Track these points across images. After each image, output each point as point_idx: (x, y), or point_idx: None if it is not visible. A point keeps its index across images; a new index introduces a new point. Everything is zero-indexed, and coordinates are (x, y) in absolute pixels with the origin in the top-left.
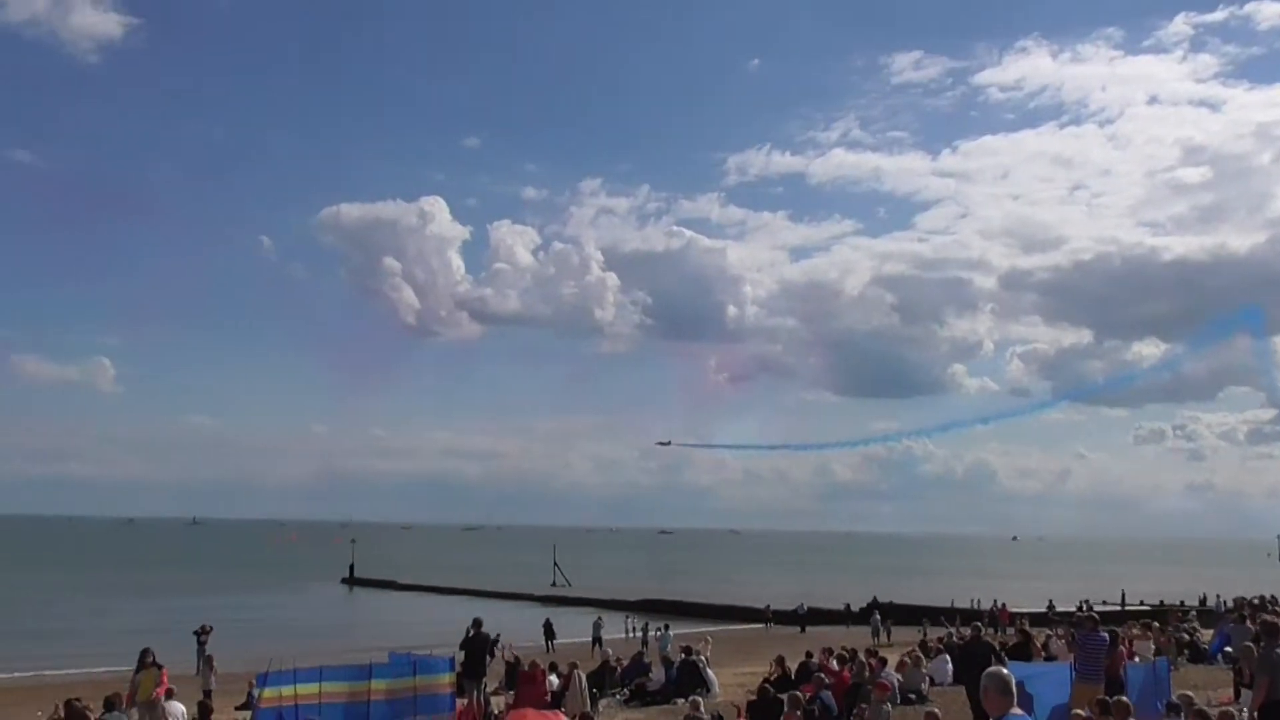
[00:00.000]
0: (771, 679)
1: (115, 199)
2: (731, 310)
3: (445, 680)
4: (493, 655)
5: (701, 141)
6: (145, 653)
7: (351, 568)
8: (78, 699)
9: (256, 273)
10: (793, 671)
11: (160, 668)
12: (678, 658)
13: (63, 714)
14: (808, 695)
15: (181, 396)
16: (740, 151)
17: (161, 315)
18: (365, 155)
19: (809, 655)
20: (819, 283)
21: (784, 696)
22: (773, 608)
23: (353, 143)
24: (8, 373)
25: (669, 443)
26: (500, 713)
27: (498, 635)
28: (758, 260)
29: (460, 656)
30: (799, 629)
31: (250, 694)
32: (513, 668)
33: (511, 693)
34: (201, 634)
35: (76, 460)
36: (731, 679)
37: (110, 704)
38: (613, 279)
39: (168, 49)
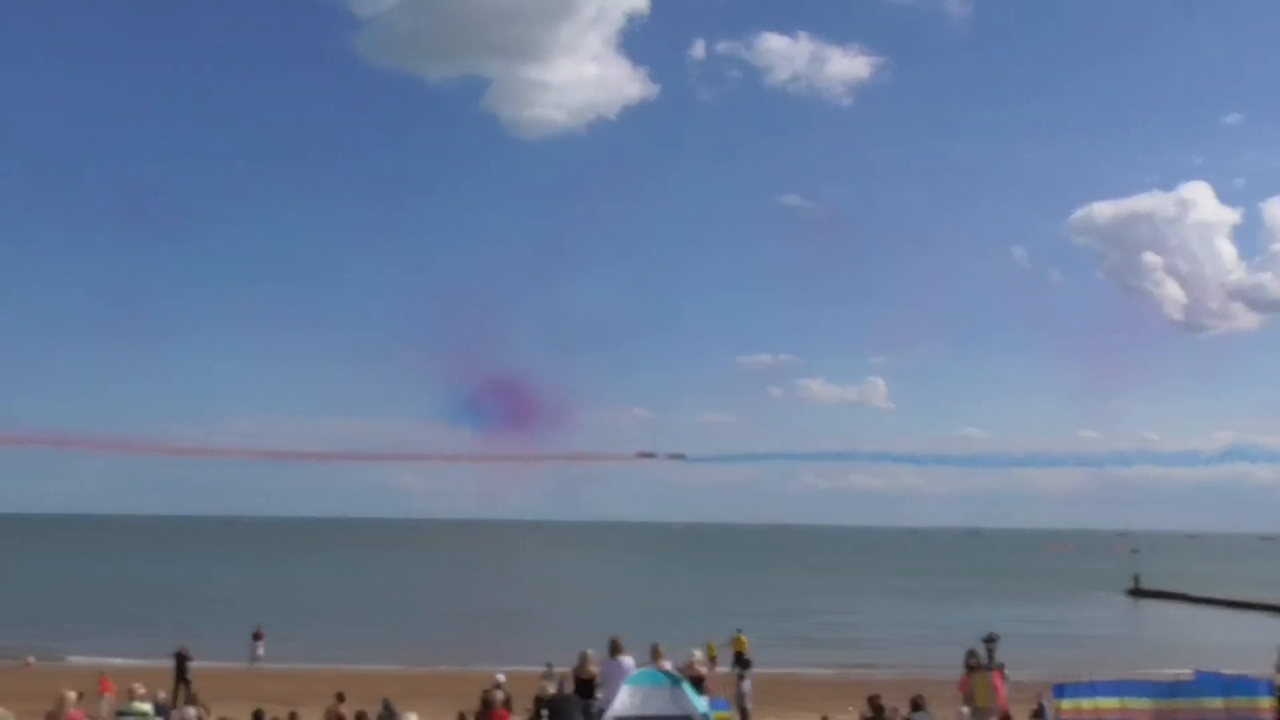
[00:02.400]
0: None
1: (874, 228)
2: None
3: (1264, 704)
4: None
5: None
6: (970, 654)
7: (1137, 578)
8: (877, 695)
9: (1010, 283)
10: None
11: (990, 671)
12: None
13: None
14: None
15: (951, 410)
16: None
17: (924, 334)
18: (1113, 150)
19: None
20: None
21: None
22: None
23: (1100, 140)
24: (797, 395)
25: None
26: None
27: None
28: None
29: None
30: None
31: (1041, 705)
32: None
33: None
34: (989, 643)
35: (858, 474)
36: None
37: (916, 704)
38: None
39: (911, 81)
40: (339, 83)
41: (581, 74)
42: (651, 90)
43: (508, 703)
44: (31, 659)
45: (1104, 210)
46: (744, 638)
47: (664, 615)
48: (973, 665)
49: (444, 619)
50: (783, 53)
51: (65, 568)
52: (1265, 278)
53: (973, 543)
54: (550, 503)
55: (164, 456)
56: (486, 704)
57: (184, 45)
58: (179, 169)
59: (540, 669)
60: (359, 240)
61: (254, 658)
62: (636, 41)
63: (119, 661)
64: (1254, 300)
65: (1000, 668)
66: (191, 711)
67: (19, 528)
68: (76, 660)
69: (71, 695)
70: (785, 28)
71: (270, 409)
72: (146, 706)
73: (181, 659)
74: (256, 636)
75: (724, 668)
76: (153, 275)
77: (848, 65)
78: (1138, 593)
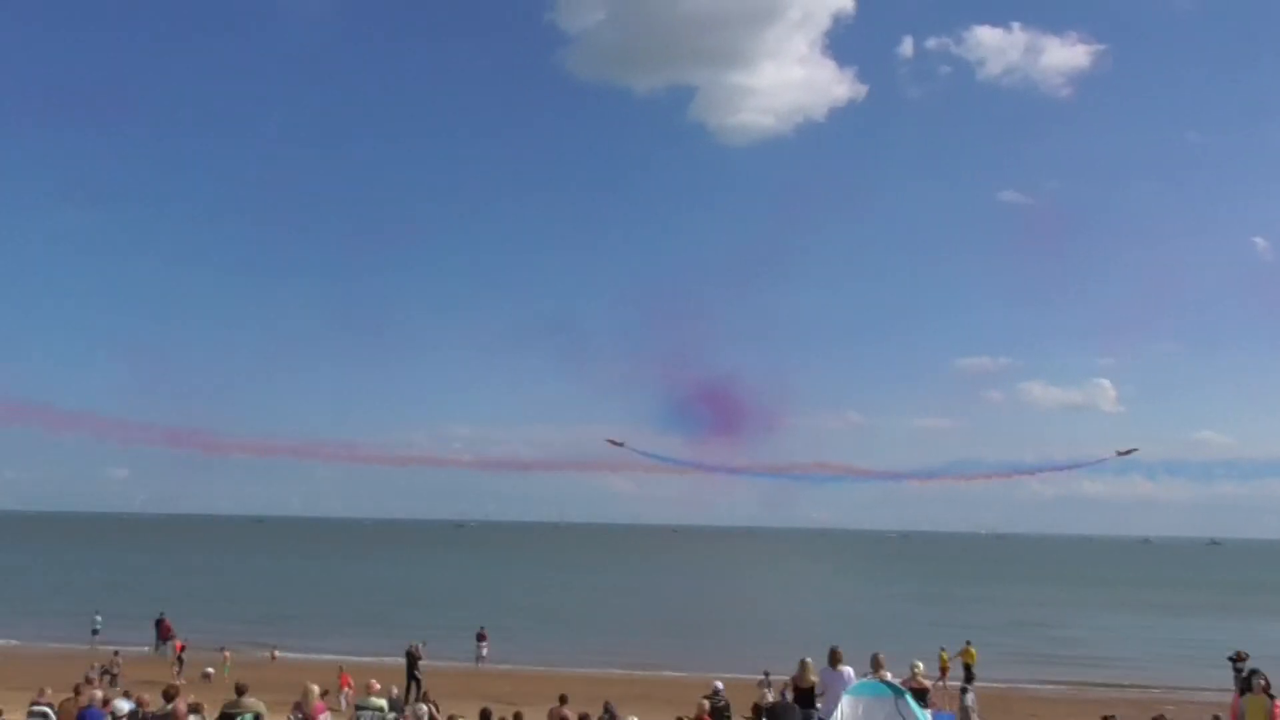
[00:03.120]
0: None
1: (1099, 223)
2: None
3: None
4: None
5: None
6: (1253, 673)
7: None
8: (1112, 716)
9: (1253, 276)
10: None
11: (1273, 698)
12: None
13: None
14: None
15: (1187, 413)
16: None
17: (1156, 332)
18: None
19: None
20: None
21: None
22: None
23: None
24: (1018, 398)
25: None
26: None
27: None
28: None
29: None
30: None
31: None
32: None
33: None
34: (1236, 663)
35: (1087, 479)
36: None
37: None
38: None
39: (1134, 67)
40: (550, 99)
41: (788, 77)
42: (859, 90)
43: (726, 709)
44: (276, 652)
45: None
46: (973, 650)
47: (882, 626)
48: (1252, 687)
49: (661, 624)
50: (995, 45)
51: (307, 567)
52: None
53: (1213, 554)
54: (762, 509)
55: (393, 466)
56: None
57: (399, 74)
58: (405, 196)
59: (758, 677)
60: (569, 250)
61: (479, 658)
62: (843, 42)
63: (355, 659)
64: None
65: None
66: (423, 708)
67: (265, 529)
68: (317, 656)
69: (315, 689)
70: (997, 20)
71: (487, 417)
72: (382, 702)
73: (412, 658)
74: (480, 637)
75: (953, 681)
76: (384, 297)
77: (1065, 54)
78: None
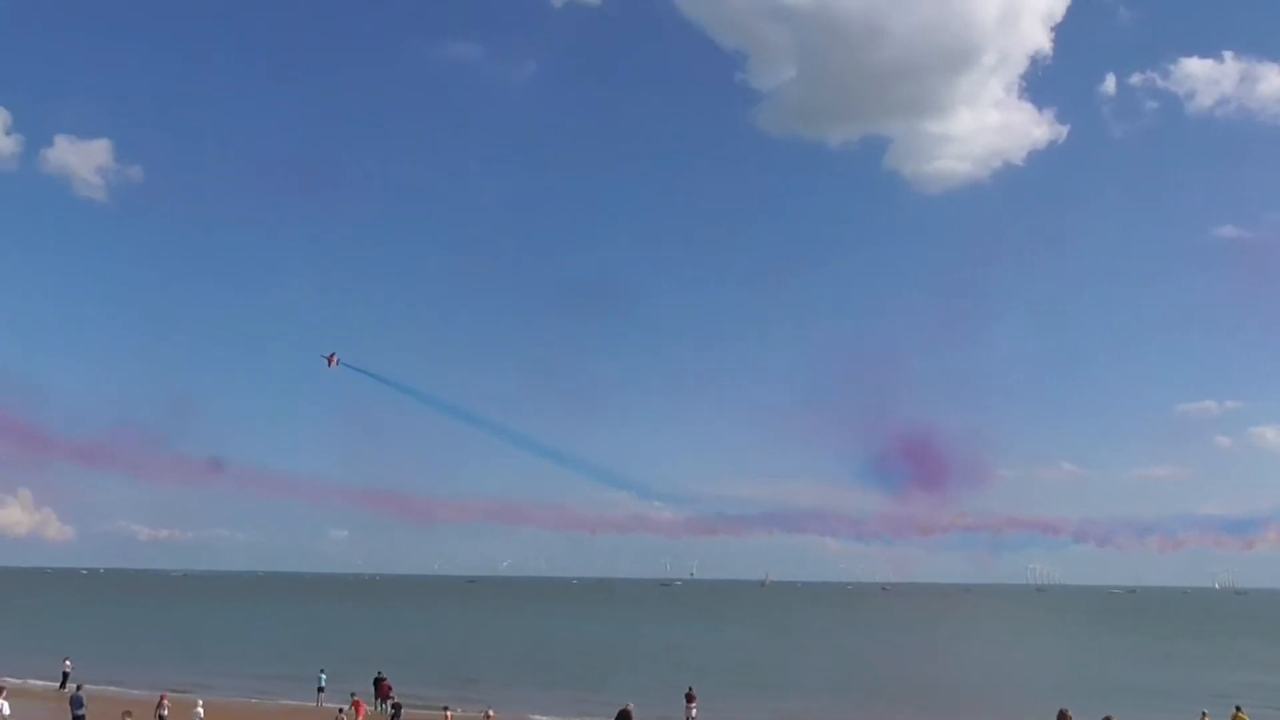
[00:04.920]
0: None
1: None
2: None
3: None
4: None
5: None
6: None
7: None
8: None
9: None
10: None
11: None
12: None
13: None
14: None
15: None
16: None
17: None
18: None
19: None
20: None
21: None
22: None
23: None
24: (1249, 444)
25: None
26: None
27: None
28: None
29: None
30: None
31: None
32: None
33: None
34: None
35: None
36: None
37: None
38: None
39: None
40: (743, 156)
41: (984, 122)
42: (1059, 132)
43: None
44: (491, 711)
45: None
46: (1245, 715)
47: (1112, 687)
48: None
49: (873, 687)
50: (1206, 77)
51: (514, 626)
52: None
53: None
54: (974, 565)
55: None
56: None
57: (593, 141)
58: (606, 250)
59: None
60: (765, 305)
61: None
62: (1041, 83)
63: None
64: None
65: None
66: None
67: (476, 589)
68: (530, 716)
69: None
70: (1206, 51)
71: (690, 474)
72: None
73: (626, 717)
74: (689, 698)
75: None
76: (584, 349)
77: None
78: None
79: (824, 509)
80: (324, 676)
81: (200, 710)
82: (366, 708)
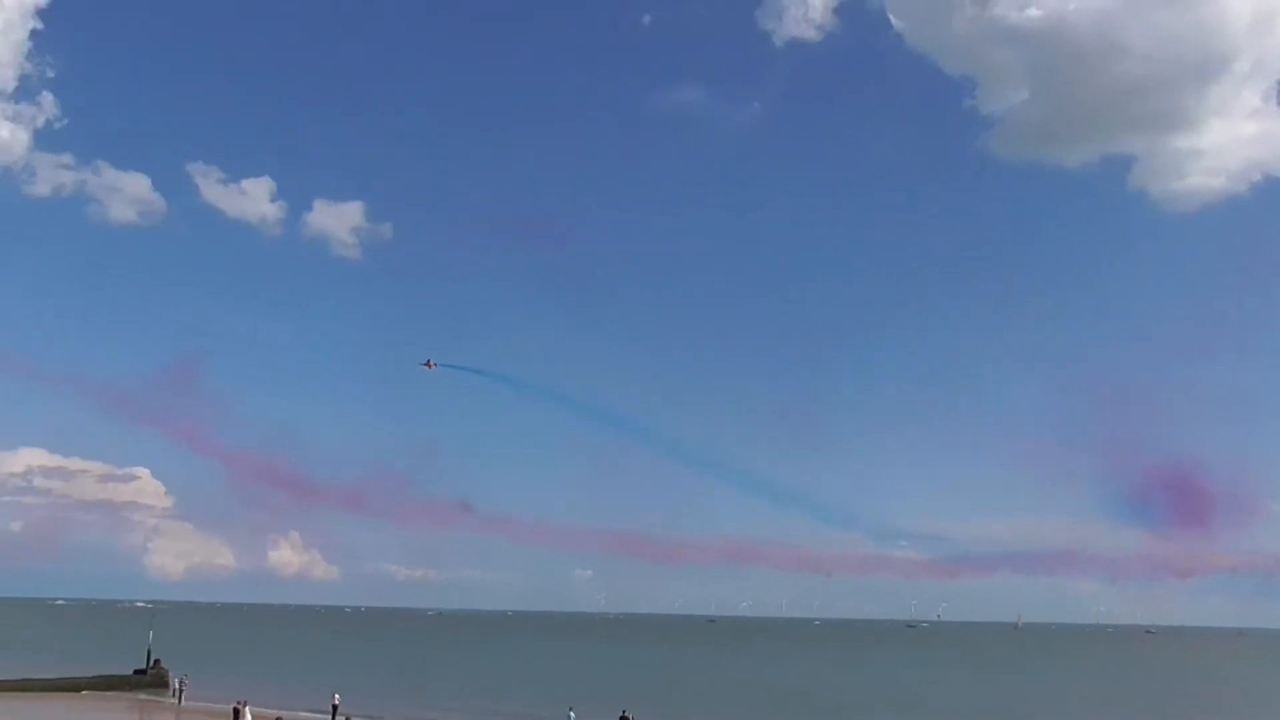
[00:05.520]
0: None
1: None
2: None
3: None
4: None
5: None
6: None
7: None
8: None
9: None
10: None
11: None
12: None
13: None
14: None
15: None
16: None
17: None
18: None
19: None
20: None
21: None
22: None
23: None
24: None
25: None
26: None
27: None
28: None
29: None
30: None
31: None
32: None
33: None
34: None
35: None
36: None
37: None
38: None
39: None
40: (975, 183)
41: (1238, 133)
42: None
43: None
44: None
45: None
46: None
47: None
48: None
49: None
50: None
51: (755, 667)
52: None
53: None
54: (1235, 607)
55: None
56: None
57: (822, 170)
58: (832, 286)
59: None
60: (1004, 335)
61: None
62: None
63: None
64: None
65: None
66: None
67: (716, 629)
68: None
69: None
70: None
71: (930, 512)
72: None
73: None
74: None
75: None
76: (812, 386)
77: None
78: None
79: (1075, 548)
80: (573, 715)
81: None
82: None
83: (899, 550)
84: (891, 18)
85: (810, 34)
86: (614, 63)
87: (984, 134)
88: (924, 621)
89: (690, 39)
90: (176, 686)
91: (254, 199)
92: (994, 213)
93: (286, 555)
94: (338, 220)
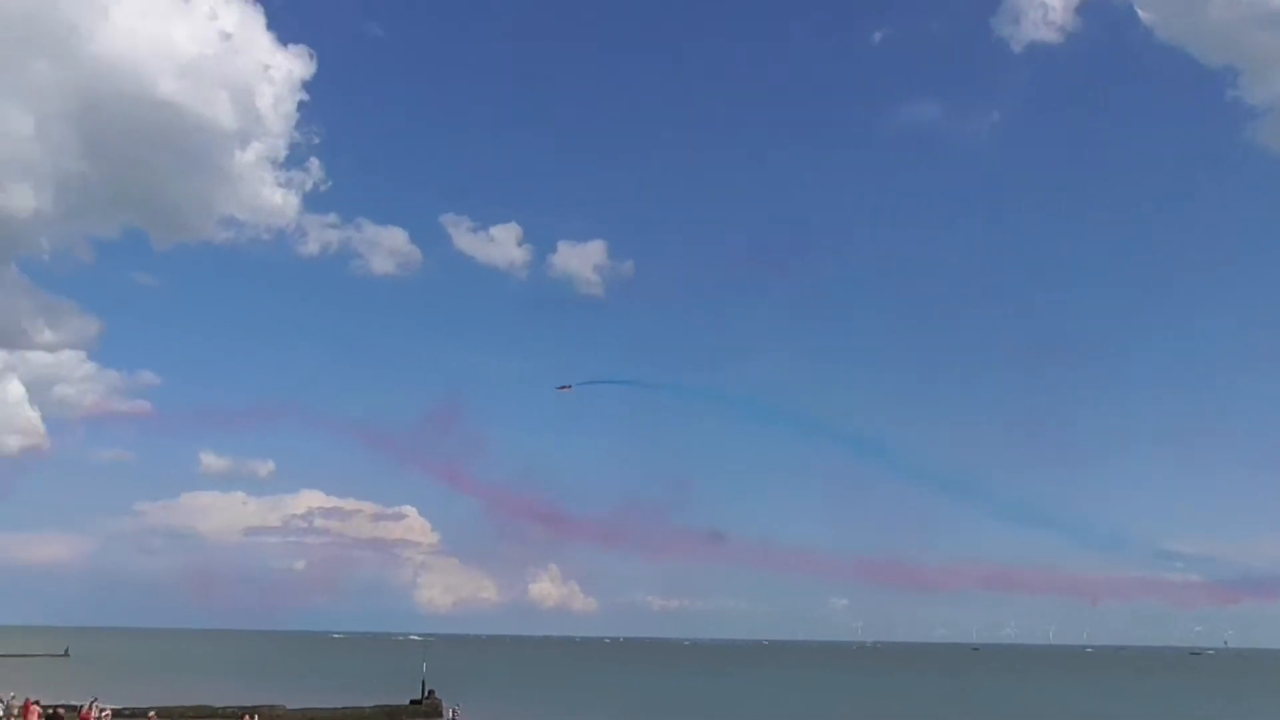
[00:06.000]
0: None
1: None
2: None
3: None
4: None
5: None
6: None
7: None
8: None
9: None
10: None
11: None
12: None
13: None
14: None
15: None
16: None
17: None
18: None
19: None
20: None
21: None
22: None
23: None
24: None
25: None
26: None
27: None
28: None
29: None
30: None
31: None
32: None
33: None
34: None
35: None
36: None
37: None
38: None
39: None
40: (1241, 176)
41: None
42: None
43: None
44: None
45: None
46: None
47: None
48: None
49: None
50: None
51: (1028, 695)
52: None
53: None
54: None
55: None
56: None
57: (1064, 181)
58: (1082, 294)
59: None
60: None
61: None
62: None
63: None
64: None
65: None
66: None
67: (980, 657)
68: None
69: None
70: None
71: (1207, 530)
72: None
73: None
74: None
75: None
76: (1066, 404)
77: None
78: None
79: None
80: None
81: None
82: None
83: (1173, 573)
84: (1139, 11)
85: (1051, 36)
86: (846, 84)
87: (1250, 125)
88: (1209, 649)
89: (922, 53)
90: (450, 717)
91: (502, 244)
92: (1265, 208)
93: (546, 588)
94: (581, 260)
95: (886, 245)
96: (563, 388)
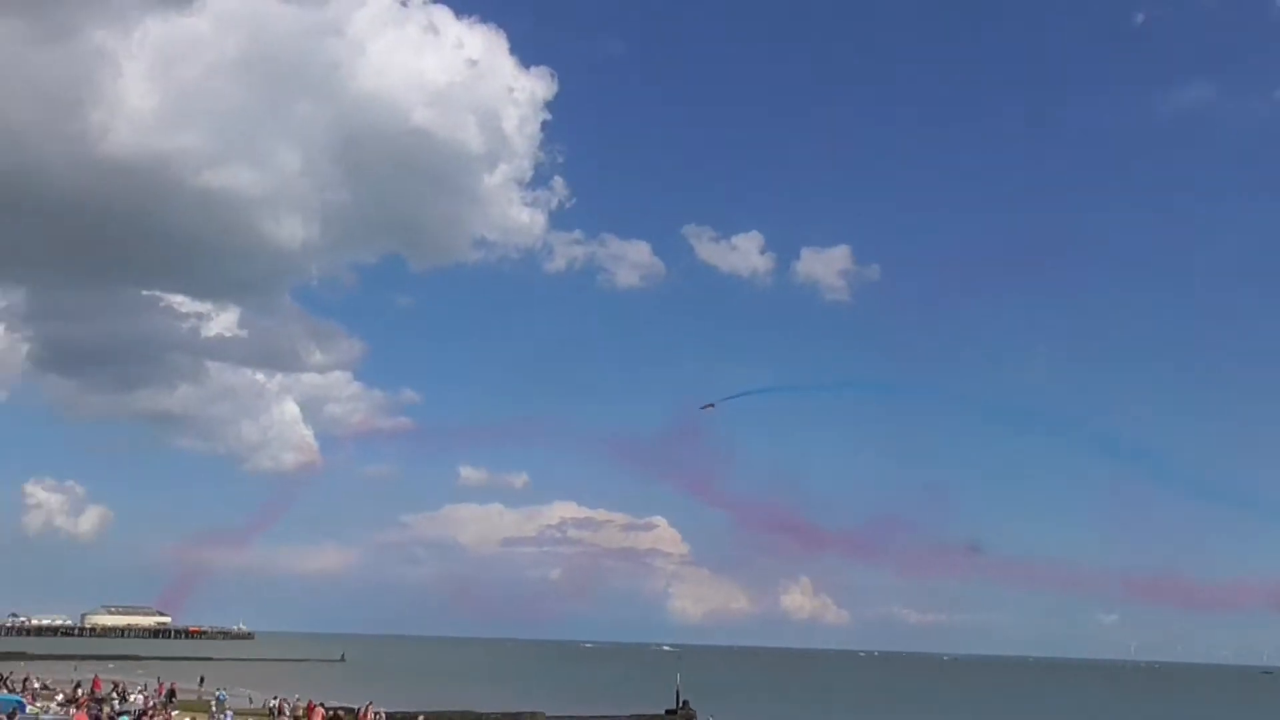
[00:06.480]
0: None
1: None
2: None
3: None
4: None
5: None
6: None
7: None
8: None
9: None
10: None
11: None
12: None
13: None
14: None
15: None
16: None
17: None
18: None
19: None
20: None
21: None
22: None
23: None
24: None
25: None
26: None
27: None
28: None
29: None
30: None
31: None
32: None
33: None
34: None
35: None
36: None
37: None
38: None
39: None
40: None
41: None
42: None
43: None
44: None
45: None
46: None
47: None
48: None
49: None
50: None
51: None
52: None
53: None
54: None
55: None
56: None
57: None
58: None
59: None
60: None
61: None
62: None
63: None
64: None
65: None
66: None
67: (1272, 680)
68: None
69: None
70: None
71: None
72: None
73: None
74: None
75: None
76: None
77: None
78: None
79: None
80: None
81: None
82: None
83: None
84: None
85: None
86: (1112, 67)
87: None
88: None
89: (1189, 32)
90: None
91: (744, 253)
92: None
93: (798, 600)
94: (825, 266)
95: (1155, 238)
96: (706, 406)
